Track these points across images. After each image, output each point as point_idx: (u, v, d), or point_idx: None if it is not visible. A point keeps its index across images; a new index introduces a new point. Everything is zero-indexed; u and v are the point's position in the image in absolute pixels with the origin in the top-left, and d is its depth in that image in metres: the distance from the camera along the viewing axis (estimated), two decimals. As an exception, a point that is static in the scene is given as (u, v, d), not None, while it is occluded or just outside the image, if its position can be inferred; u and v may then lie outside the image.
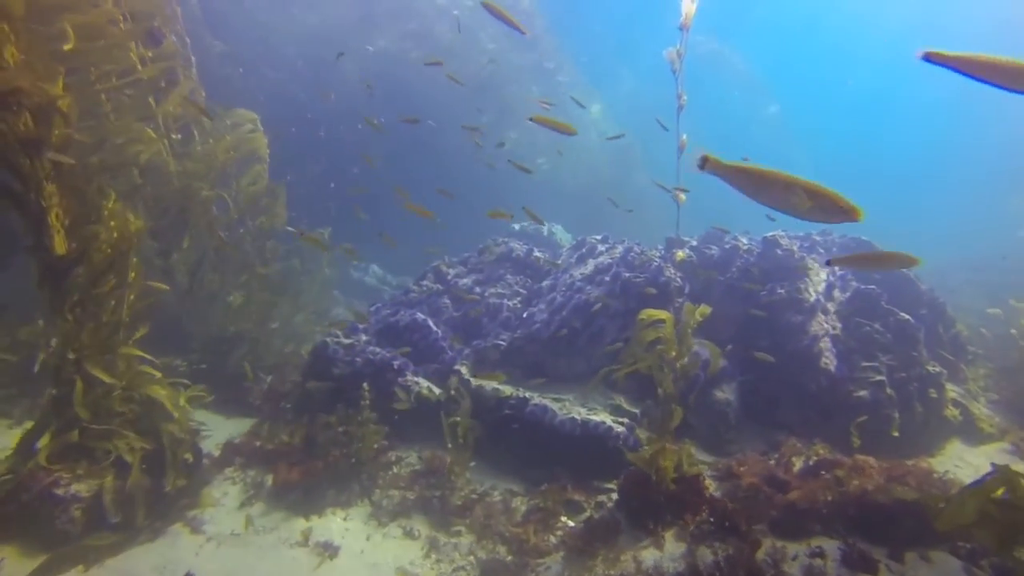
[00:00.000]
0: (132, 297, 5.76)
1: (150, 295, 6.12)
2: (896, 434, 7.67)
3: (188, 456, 6.04)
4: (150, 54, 7.18)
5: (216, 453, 7.05)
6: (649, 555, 5.46)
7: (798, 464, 6.93)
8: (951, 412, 8.49)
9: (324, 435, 6.80)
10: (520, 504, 6.61)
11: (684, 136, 5.71)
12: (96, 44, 6.42)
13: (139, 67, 6.94)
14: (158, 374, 6.03)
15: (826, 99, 49.54)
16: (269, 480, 6.52)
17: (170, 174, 7.81)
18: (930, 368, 8.33)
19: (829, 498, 5.66)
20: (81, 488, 5.26)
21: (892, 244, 10.70)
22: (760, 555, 5.02)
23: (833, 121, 49.18)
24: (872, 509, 5.43)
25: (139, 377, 5.86)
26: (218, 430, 7.69)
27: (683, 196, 5.93)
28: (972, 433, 8.71)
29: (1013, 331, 10.60)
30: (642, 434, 6.91)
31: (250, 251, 9.49)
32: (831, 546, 5.17)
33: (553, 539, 5.98)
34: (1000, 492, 4.21)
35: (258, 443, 7.10)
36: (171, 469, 5.81)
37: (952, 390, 8.92)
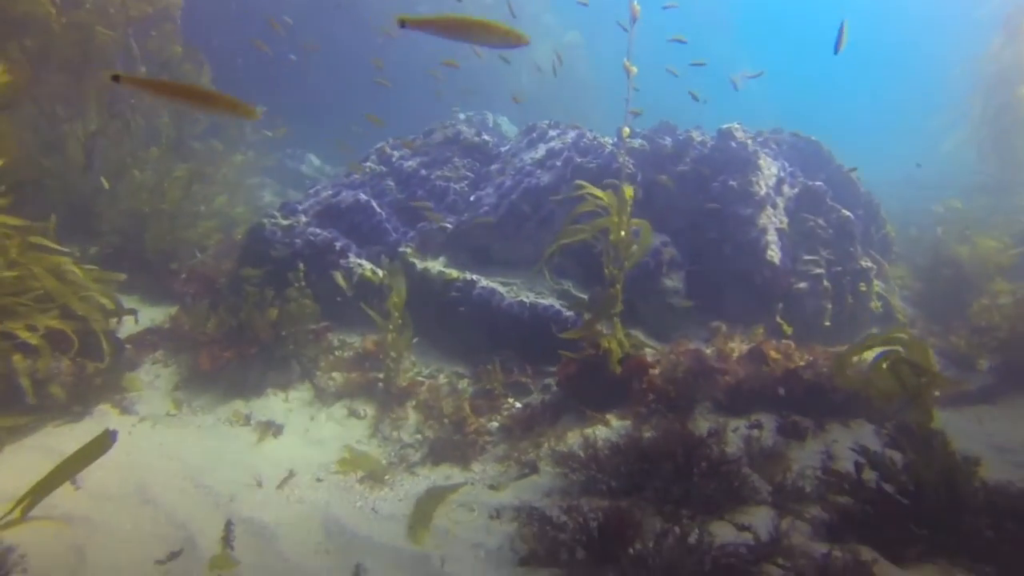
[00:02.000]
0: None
1: (32, 167, 5.39)
2: (828, 324, 8.02)
3: (108, 339, 5.59)
4: None
5: (140, 338, 6.60)
6: (595, 432, 5.58)
7: (739, 349, 7.15)
8: (875, 304, 8.93)
9: (257, 318, 6.40)
10: (467, 386, 6.60)
11: (636, 4, 5.42)
12: None
13: None
14: (56, 247, 5.43)
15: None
16: (202, 364, 6.18)
17: (49, 20, 6.66)
18: (863, 263, 8.64)
19: (766, 378, 5.88)
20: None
21: (840, 153, 10.86)
22: (702, 427, 5.20)
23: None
24: (802, 386, 5.70)
25: (29, 253, 5.24)
26: (141, 316, 7.19)
27: (634, 69, 5.65)
28: (889, 322, 9.24)
29: (940, 230, 11.15)
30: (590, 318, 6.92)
31: (163, 124, 8.54)
32: (768, 419, 5.41)
33: (500, 419, 6.03)
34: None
35: (186, 327, 6.65)
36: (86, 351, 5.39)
37: (877, 285, 9.36)
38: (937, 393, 4.58)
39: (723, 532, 3.56)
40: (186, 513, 4.20)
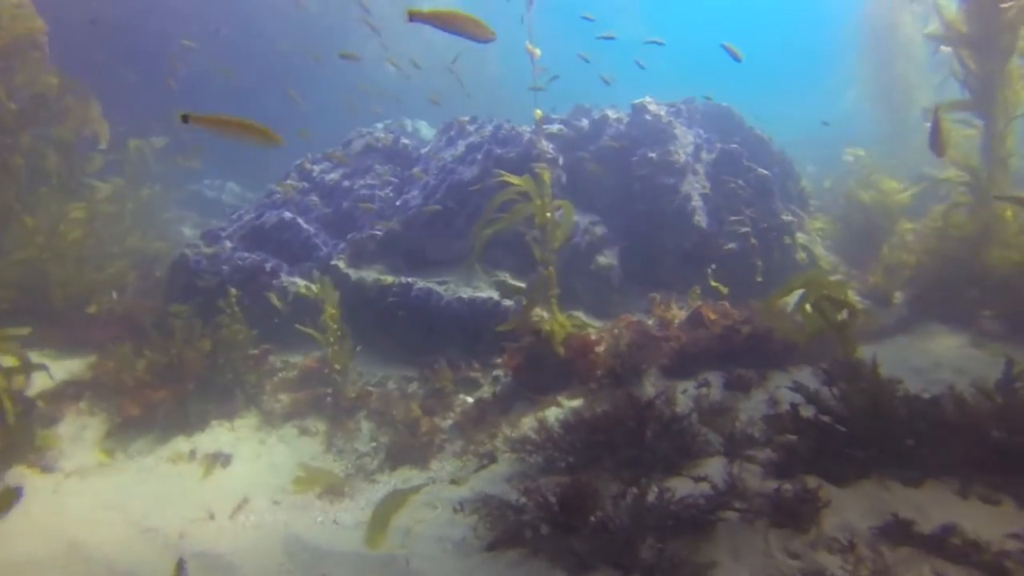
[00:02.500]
0: None
1: None
2: (760, 279, 8.30)
3: (15, 395, 5.19)
4: None
5: (57, 392, 6.08)
6: (550, 414, 5.60)
7: (678, 316, 7.32)
8: (800, 256, 9.30)
9: (189, 352, 6.09)
10: (416, 388, 6.51)
11: None
12: None
13: None
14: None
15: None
16: (130, 410, 5.78)
17: None
18: (784, 218, 8.99)
19: (707, 339, 6.04)
20: None
21: (750, 117, 11.25)
22: (651, 391, 5.30)
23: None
24: (742, 341, 5.89)
25: None
26: (57, 368, 6.69)
27: (538, 51, 5.73)
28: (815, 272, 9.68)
29: (852, 181, 11.73)
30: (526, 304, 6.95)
31: (56, 165, 7.92)
32: (714, 376, 5.56)
33: (453, 416, 5.98)
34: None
35: (110, 374, 6.18)
36: None
37: (800, 237, 9.76)
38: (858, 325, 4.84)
39: (682, 487, 3.63)
40: (131, 561, 3.98)
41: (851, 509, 3.20)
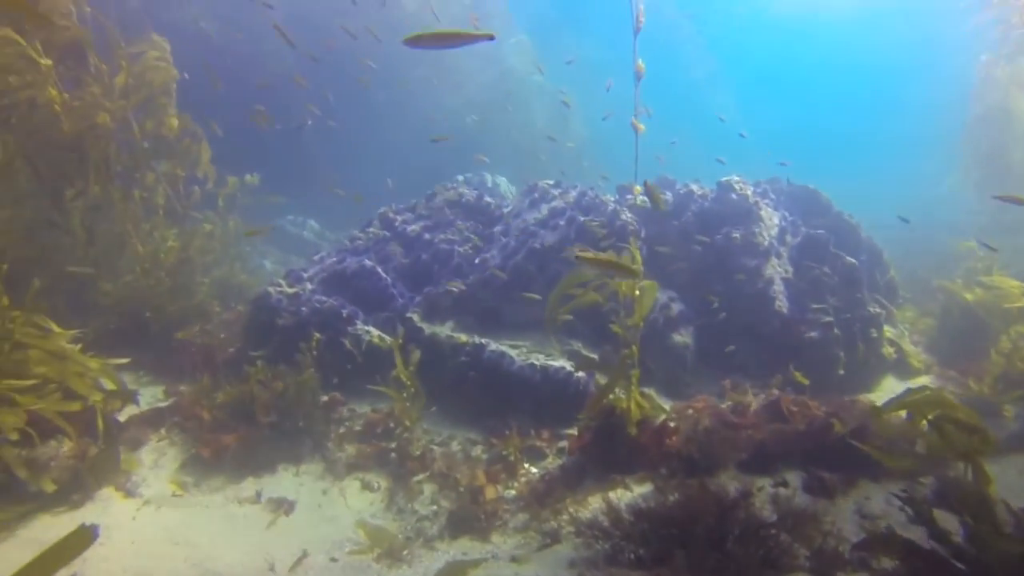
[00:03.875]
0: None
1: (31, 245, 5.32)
2: (842, 372, 7.91)
3: (106, 421, 5.43)
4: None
5: (143, 417, 6.39)
6: (617, 496, 5.39)
7: (754, 403, 7.02)
8: (887, 350, 8.84)
9: (262, 395, 6.22)
10: (481, 453, 6.42)
11: (640, 62, 5.57)
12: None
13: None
14: (58, 330, 5.32)
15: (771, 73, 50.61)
16: (205, 452, 5.92)
17: (52, 104, 6.70)
18: (872, 309, 8.60)
19: (790, 434, 5.74)
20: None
21: (838, 199, 10.96)
22: (728, 487, 5.03)
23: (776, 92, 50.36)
24: (829, 441, 5.54)
25: (31, 335, 5.11)
26: (145, 391, 7.03)
27: (642, 127, 5.74)
28: (904, 369, 9.12)
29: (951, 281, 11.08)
30: (602, 380, 6.82)
31: (164, 198, 8.53)
32: (793, 476, 5.24)
33: (517, 486, 5.84)
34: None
35: (188, 406, 6.45)
36: (90, 436, 5.23)
37: (888, 330, 9.29)
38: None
39: (766, 606, 3.37)
40: (195, 605, 3.98)
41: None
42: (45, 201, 7.25)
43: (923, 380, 9.07)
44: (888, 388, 8.62)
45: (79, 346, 5.43)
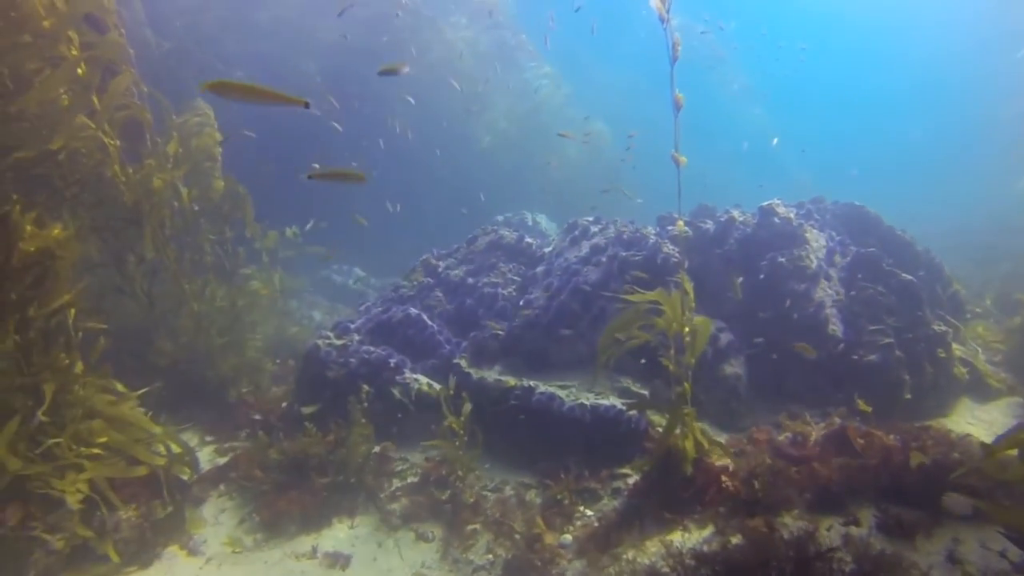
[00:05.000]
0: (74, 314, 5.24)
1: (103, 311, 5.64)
2: (908, 396, 7.51)
3: (174, 479, 5.63)
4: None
5: (203, 476, 6.59)
6: (676, 539, 5.21)
7: (815, 433, 6.73)
8: (959, 371, 8.36)
9: (317, 451, 6.34)
10: (534, 497, 6.33)
11: (679, 94, 5.54)
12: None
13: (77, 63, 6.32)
14: (130, 396, 5.58)
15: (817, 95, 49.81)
16: (263, 514, 6.00)
17: (116, 179, 7.13)
18: (936, 327, 8.18)
19: (860, 469, 5.44)
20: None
21: (894, 219, 10.59)
22: (792, 527, 4.79)
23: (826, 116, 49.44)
24: (910, 477, 5.21)
25: (101, 401, 5.36)
26: (203, 451, 7.24)
27: (683, 159, 5.68)
28: (981, 390, 8.60)
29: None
30: (654, 416, 6.67)
31: (215, 258, 8.89)
32: (864, 514, 4.95)
33: (573, 530, 5.72)
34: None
35: (244, 464, 6.58)
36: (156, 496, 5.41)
37: (957, 349, 8.81)
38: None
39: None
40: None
41: None
42: (110, 269, 7.69)
43: (1006, 401, 8.54)
44: (965, 411, 8.13)
45: (145, 412, 5.66)
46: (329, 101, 13.74)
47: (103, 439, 5.13)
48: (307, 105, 3.60)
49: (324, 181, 4.80)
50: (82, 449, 5.00)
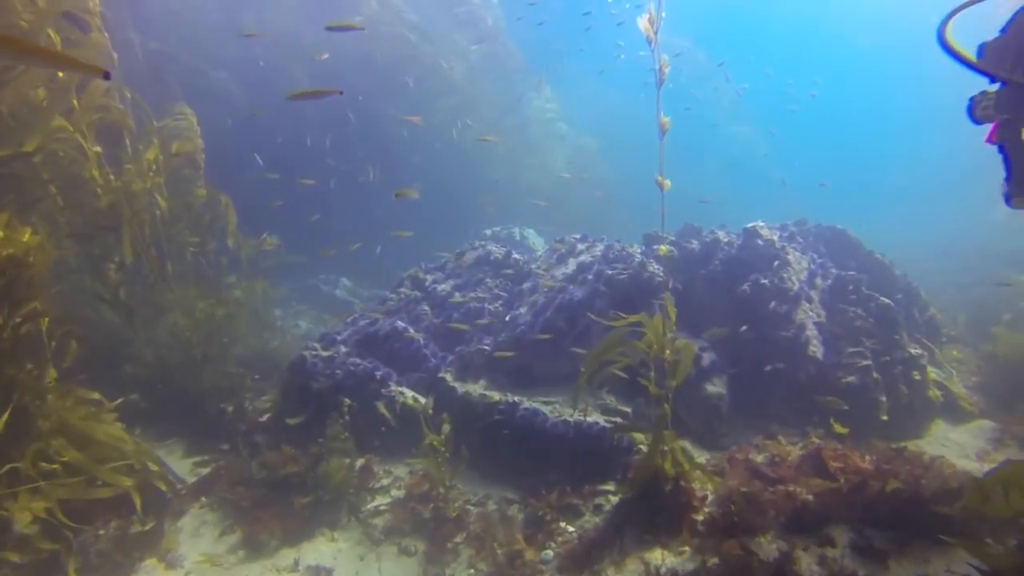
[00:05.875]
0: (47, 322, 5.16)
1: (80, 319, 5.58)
2: (885, 417, 7.67)
3: (153, 492, 5.60)
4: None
5: (184, 486, 6.56)
6: (655, 557, 5.29)
7: (792, 454, 6.84)
8: (934, 393, 8.54)
9: (295, 476, 6.33)
10: (516, 513, 6.37)
11: (665, 118, 5.61)
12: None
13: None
14: (107, 407, 5.54)
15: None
16: (244, 529, 5.96)
17: (95, 185, 7.07)
18: (912, 350, 8.37)
19: (835, 495, 5.54)
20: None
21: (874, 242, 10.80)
22: (768, 550, 4.89)
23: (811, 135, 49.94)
24: (885, 502, 5.32)
25: (74, 414, 5.27)
26: (184, 463, 7.17)
27: (668, 183, 5.79)
28: (954, 413, 8.78)
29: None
30: (636, 435, 6.75)
31: (196, 266, 8.83)
32: (839, 532, 5.06)
33: (554, 546, 5.77)
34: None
35: (227, 479, 6.54)
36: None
37: (932, 371, 9.00)
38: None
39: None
40: None
41: None
42: (88, 275, 7.59)
43: (977, 424, 8.72)
44: (939, 433, 8.30)
45: (122, 424, 5.62)
46: (314, 110, 13.76)
47: (65, 458, 5.03)
48: (107, 76, 2.54)
49: (303, 99, 5.16)
50: (43, 465, 4.88)
